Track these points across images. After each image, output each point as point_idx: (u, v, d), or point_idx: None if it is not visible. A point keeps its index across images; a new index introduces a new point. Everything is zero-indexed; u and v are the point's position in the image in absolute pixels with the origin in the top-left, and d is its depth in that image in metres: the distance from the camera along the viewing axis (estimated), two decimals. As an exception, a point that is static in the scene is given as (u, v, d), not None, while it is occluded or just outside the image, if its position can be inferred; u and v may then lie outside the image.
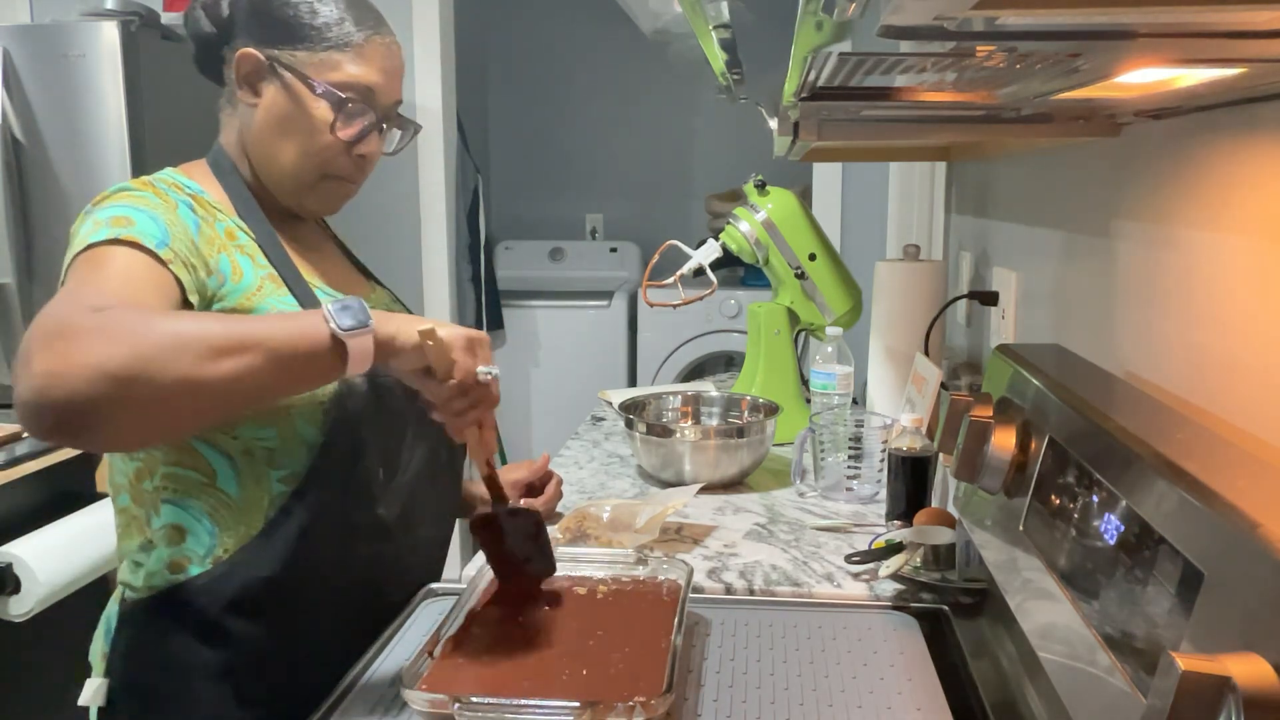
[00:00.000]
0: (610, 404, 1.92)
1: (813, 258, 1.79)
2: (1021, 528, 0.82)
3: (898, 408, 1.63)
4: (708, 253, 1.82)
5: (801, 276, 1.79)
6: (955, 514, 1.12)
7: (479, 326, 3.37)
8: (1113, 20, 0.50)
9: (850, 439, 1.48)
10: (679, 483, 1.49)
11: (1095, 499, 0.69)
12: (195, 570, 1.01)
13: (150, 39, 2.27)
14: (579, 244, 4.04)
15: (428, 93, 2.85)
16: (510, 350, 3.56)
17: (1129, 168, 1.00)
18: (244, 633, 1.01)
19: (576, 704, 0.79)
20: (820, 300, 1.81)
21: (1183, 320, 0.86)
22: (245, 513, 1.01)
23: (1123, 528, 0.64)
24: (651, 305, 1.89)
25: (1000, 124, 0.98)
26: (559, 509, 1.40)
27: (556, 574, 1.06)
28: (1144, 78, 0.64)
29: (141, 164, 2.21)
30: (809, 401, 1.79)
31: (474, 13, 3.65)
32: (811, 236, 1.80)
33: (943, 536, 1.13)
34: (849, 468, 1.47)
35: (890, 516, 1.32)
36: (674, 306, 1.90)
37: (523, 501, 1.30)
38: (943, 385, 1.45)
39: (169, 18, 2.40)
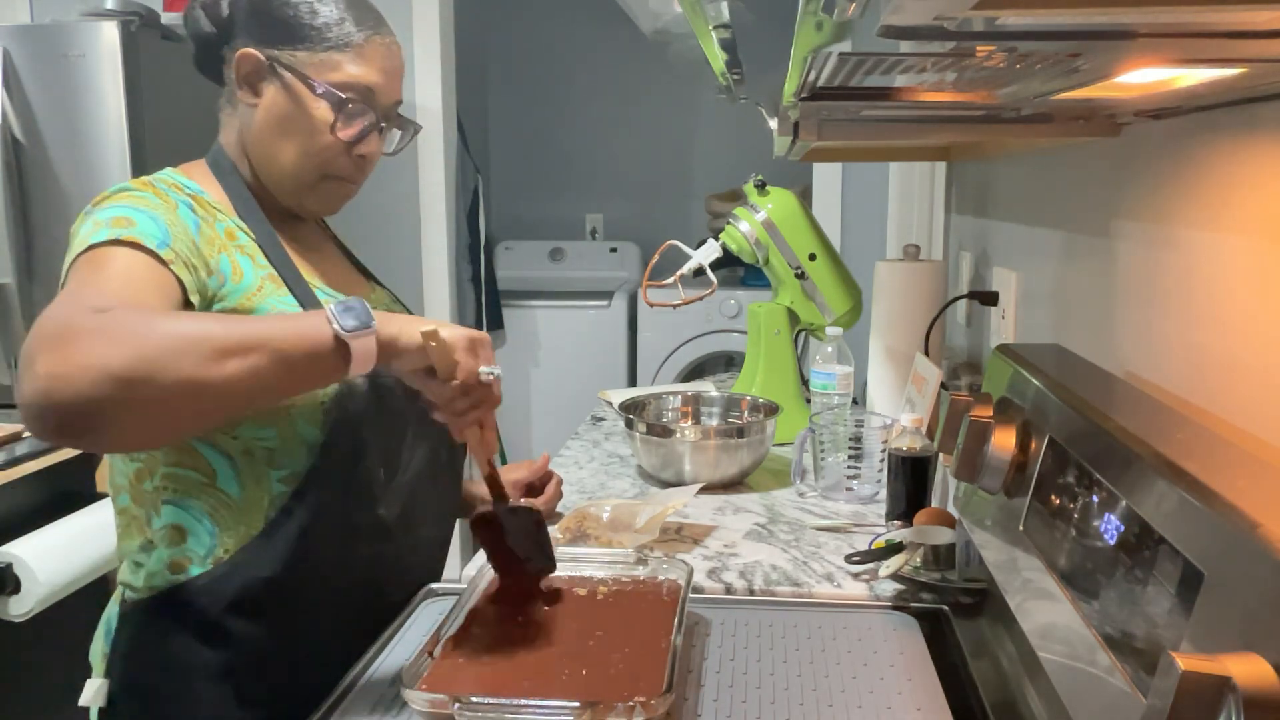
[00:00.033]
0: (610, 404, 1.92)
1: (813, 258, 1.79)
2: (1021, 528, 0.82)
3: (898, 408, 1.63)
4: (708, 253, 1.82)
5: (801, 276, 1.79)
6: (955, 514, 1.12)
7: (479, 326, 3.37)
8: (1113, 20, 0.50)
9: (850, 439, 1.48)
10: (679, 483, 1.49)
11: (1095, 499, 0.69)
12: (196, 570, 1.01)
13: (150, 39, 2.27)
14: (579, 244, 4.04)
15: (428, 93, 2.85)
16: (510, 350, 3.56)
17: (1129, 168, 1.00)
18: (244, 633, 1.01)
19: (576, 704, 0.79)
20: (820, 300, 1.81)
21: (1183, 320, 0.86)
22: (246, 513, 1.01)
23: (1123, 528, 0.64)
24: (651, 305, 1.89)
25: (1000, 124, 0.98)
26: (559, 509, 1.40)
27: (557, 574, 1.06)
28: (1144, 78, 0.64)
29: (141, 164, 2.21)
30: (809, 401, 1.79)
31: (474, 13, 3.65)
32: (811, 236, 1.80)
33: (943, 536, 1.13)
34: (849, 468, 1.47)
35: (890, 516, 1.32)
36: (674, 306, 1.90)
37: (523, 501, 1.30)
38: (943, 385, 1.45)
39: (169, 18, 2.40)
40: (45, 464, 1.91)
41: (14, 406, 2.29)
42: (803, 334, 1.89)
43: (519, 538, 1.04)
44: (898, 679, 0.92)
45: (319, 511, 1.02)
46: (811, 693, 0.90)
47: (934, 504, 1.29)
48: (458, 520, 1.30)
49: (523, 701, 0.81)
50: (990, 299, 1.55)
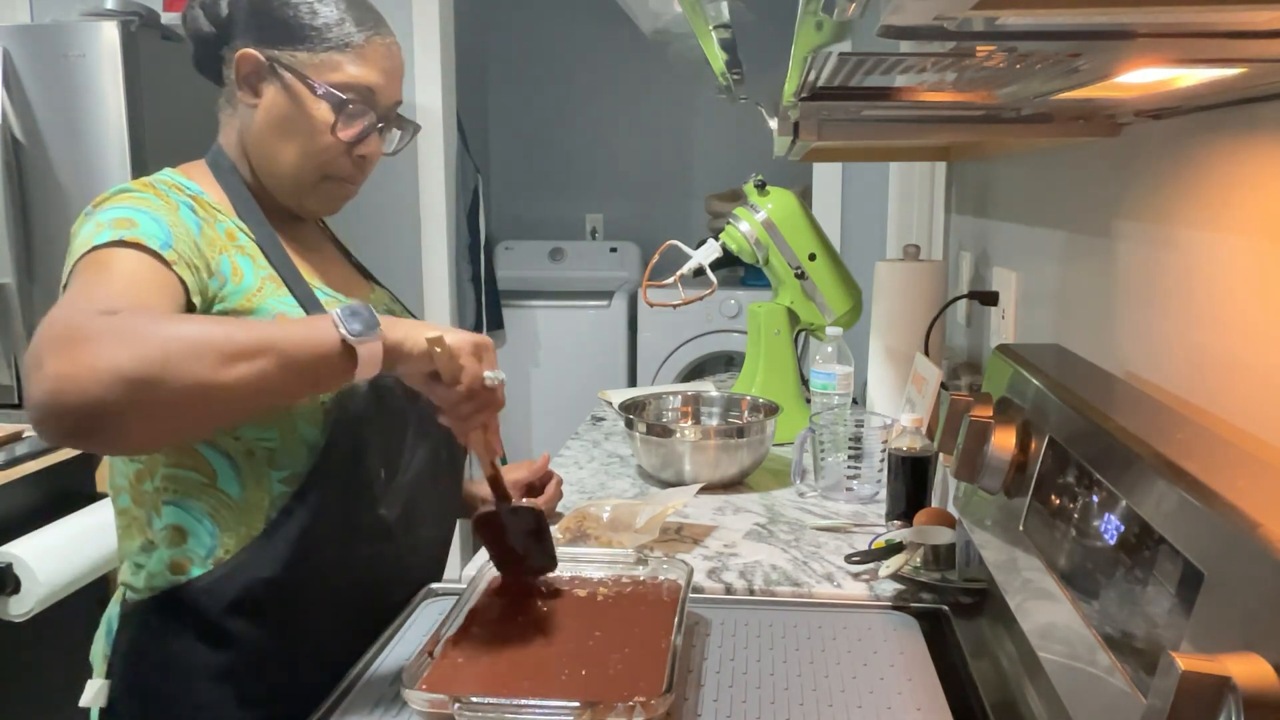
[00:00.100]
0: (610, 404, 1.92)
1: (813, 258, 1.79)
2: (1021, 528, 0.82)
3: (898, 408, 1.63)
4: (708, 253, 1.82)
5: (801, 276, 1.79)
6: (955, 514, 1.12)
7: (479, 326, 3.38)
8: (1113, 20, 0.50)
9: (850, 439, 1.48)
10: (679, 483, 1.49)
11: (1095, 499, 0.69)
12: (196, 571, 1.01)
13: (150, 39, 2.27)
14: (579, 244, 4.04)
15: (428, 93, 2.85)
16: (510, 350, 3.56)
17: (1129, 168, 1.00)
18: (245, 634, 1.01)
19: (576, 704, 0.79)
20: (820, 300, 1.81)
21: (1183, 320, 0.86)
22: (246, 513, 1.01)
23: (1123, 528, 0.64)
24: (651, 305, 1.89)
25: (1000, 124, 0.98)
26: (559, 509, 1.40)
27: (557, 574, 1.06)
28: (1144, 78, 0.64)
29: (141, 164, 2.21)
30: (809, 401, 1.79)
31: (474, 13, 3.65)
32: (811, 236, 1.80)
33: (943, 536, 1.13)
34: (849, 468, 1.47)
35: (890, 516, 1.32)
36: (674, 306, 1.90)
37: (524, 501, 1.30)
38: (943, 385, 1.45)
39: (169, 18, 2.40)
40: (45, 464, 1.91)
41: (14, 406, 2.29)
42: (803, 334, 1.89)
43: (520, 537, 1.05)
44: (898, 679, 0.92)
45: (320, 512, 1.02)
46: (811, 693, 0.90)
47: (934, 504, 1.29)
48: (458, 520, 1.30)
49: (523, 701, 0.81)
50: (990, 299, 1.55)
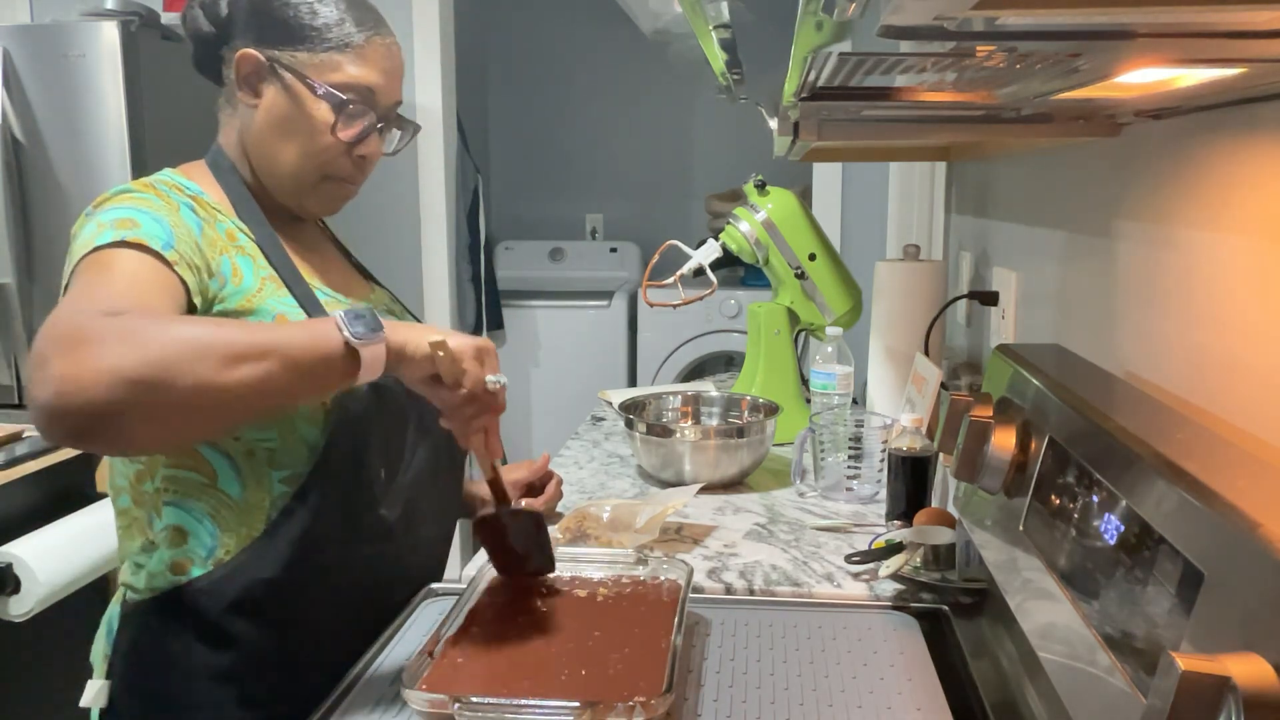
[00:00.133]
0: (610, 404, 1.92)
1: (813, 258, 1.79)
2: (1021, 528, 0.82)
3: (898, 408, 1.63)
4: (708, 253, 1.82)
5: (801, 276, 1.79)
6: (955, 514, 1.12)
7: (479, 327, 3.38)
8: (1113, 20, 0.50)
9: (850, 439, 1.48)
10: (679, 483, 1.49)
11: (1095, 499, 0.69)
12: (197, 572, 1.01)
13: (150, 39, 2.27)
14: (579, 244, 4.04)
15: (428, 93, 2.85)
16: (510, 350, 3.56)
17: (1129, 168, 1.00)
18: (246, 634, 1.01)
19: (576, 704, 0.79)
20: (820, 300, 1.81)
21: (1183, 320, 0.86)
22: (247, 514, 1.01)
23: (1123, 528, 0.64)
24: (651, 305, 1.89)
25: (1000, 124, 0.98)
26: (559, 509, 1.40)
27: (557, 574, 1.06)
28: (1144, 78, 0.64)
29: (141, 164, 2.21)
30: (809, 401, 1.79)
31: (474, 13, 3.65)
32: (811, 236, 1.80)
33: (943, 536, 1.13)
34: (849, 468, 1.47)
35: (890, 516, 1.32)
36: (674, 306, 1.90)
37: (523, 501, 1.30)
38: (943, 385, 1.45)
39: (169, 18, 2.40)
40: (45, 464, 1.91)
41: (14, 406, 2.29)
42: (803, 334, 1.89)
43: (520, 538, 1.05)
44: (898, 679, 0.92)
45: (320, 512, 1.02)
46: (811, 693, 0.90)
47: (934, 504, 1.29)
48: (458, 520, 1.30)
49: (522, 701, 0.81)
50: (990, 299, 1.55)
